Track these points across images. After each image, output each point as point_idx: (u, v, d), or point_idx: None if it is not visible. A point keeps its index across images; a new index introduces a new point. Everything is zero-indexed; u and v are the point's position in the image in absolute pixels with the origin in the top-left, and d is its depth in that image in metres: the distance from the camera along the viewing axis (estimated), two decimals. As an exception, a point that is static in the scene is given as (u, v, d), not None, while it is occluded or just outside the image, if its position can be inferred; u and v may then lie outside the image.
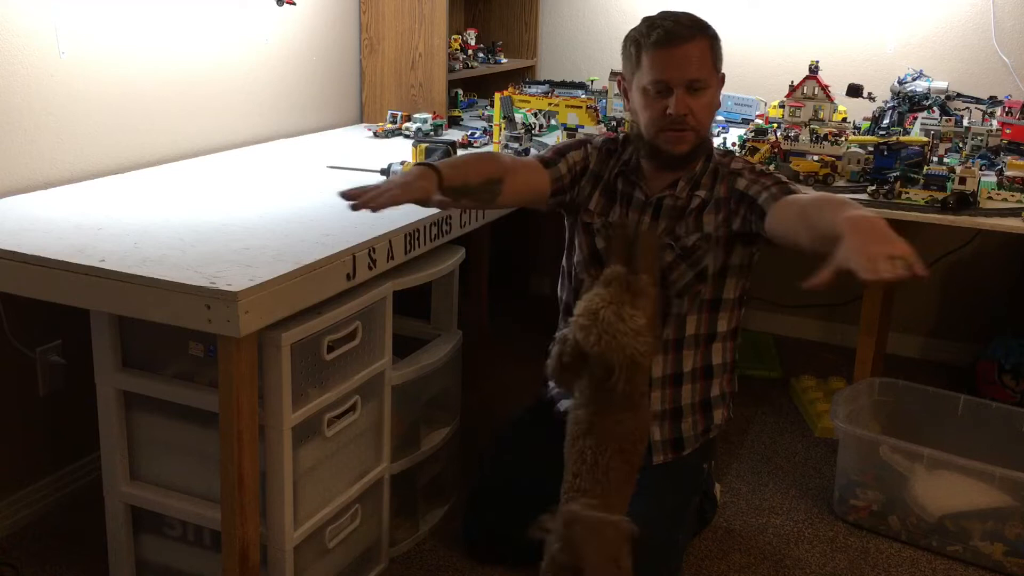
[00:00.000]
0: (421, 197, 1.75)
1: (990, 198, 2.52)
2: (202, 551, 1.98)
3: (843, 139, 2.77)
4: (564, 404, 2.17)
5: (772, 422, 3.02)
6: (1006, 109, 2.94)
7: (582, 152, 2.15)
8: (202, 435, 1.86)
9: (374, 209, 1.68)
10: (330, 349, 1.88)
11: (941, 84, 2.96)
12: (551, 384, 2.24)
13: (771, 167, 2.69)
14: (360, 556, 2.14)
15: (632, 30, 2.03)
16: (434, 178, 1.78)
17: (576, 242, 2.18)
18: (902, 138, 2.70)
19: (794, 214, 1.83)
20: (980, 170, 2.55)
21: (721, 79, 2.04)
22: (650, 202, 2.07)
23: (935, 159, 2.71)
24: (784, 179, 2.01)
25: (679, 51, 1.93)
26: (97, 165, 2.43)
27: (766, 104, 3.32)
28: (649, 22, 1.99)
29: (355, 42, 3.39)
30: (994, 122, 2.93)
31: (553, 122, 3.22)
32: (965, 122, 2.93)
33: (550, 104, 3.04)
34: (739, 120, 3.39)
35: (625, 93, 2.09)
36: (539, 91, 3.40)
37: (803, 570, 2.28)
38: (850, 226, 1.47)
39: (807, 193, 1.98)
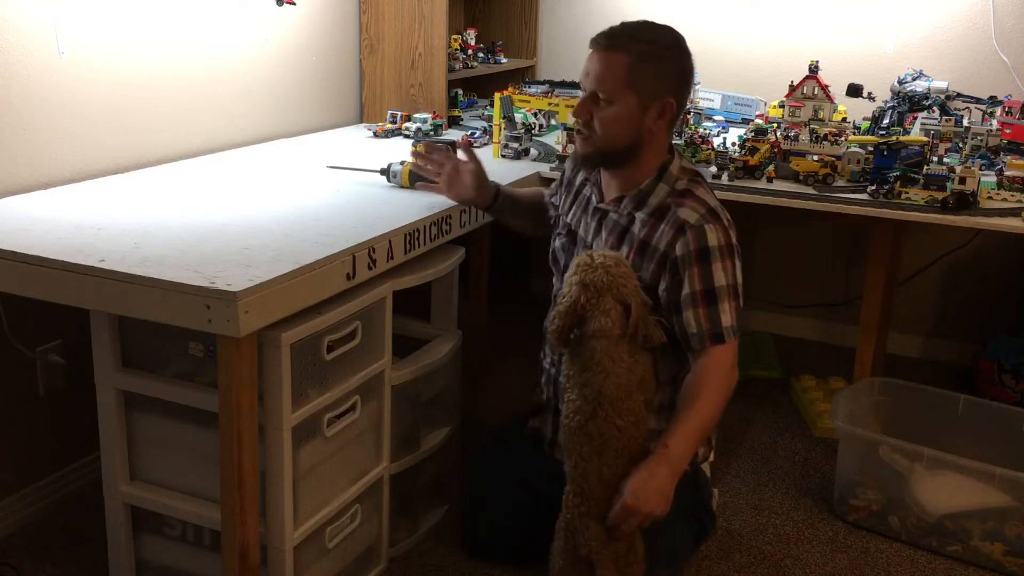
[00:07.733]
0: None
1: (990, 198, 2.52)
2: (202, 551, 1.98)
3: (843, 139, 2.77)
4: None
5: (772, 422, 3.02)
6: (1006, 109, 2.94)
7: (559, 177, 2.27)
8: (202, 435, 1.86)
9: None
10: (330, 349, 1.88)
11: (941, 84, 2.95)
12: (546, 396, 2.24)
13: (771, 167, 2.70)
14: (360, 556, 2.14)
15: None
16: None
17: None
18: (902, 138, 2.69)
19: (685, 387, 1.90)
20: (980, 170, 2.55)
21: (663, 103, 1.90)
22: (599, 209, 2.06)
23: (935, 159, 2.70)
24: (720, 299, 1.88)
25: (595, 58, 1.90)
26: (97, 165, 2.43)
27: (766, 104, 3.32)
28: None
29: (355, 42, 3.39)
30: (994, 122, 2.93)
31: (553, 122, 3.23)
32: (965, 122, 2.92)
33: (550, 104, 3.04)
34: (739, 120, 3.39)
35: None
36: (539, 91, 3.39)
37: (803, 570, 2.28)
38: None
39: (724, 352, 1.90)
